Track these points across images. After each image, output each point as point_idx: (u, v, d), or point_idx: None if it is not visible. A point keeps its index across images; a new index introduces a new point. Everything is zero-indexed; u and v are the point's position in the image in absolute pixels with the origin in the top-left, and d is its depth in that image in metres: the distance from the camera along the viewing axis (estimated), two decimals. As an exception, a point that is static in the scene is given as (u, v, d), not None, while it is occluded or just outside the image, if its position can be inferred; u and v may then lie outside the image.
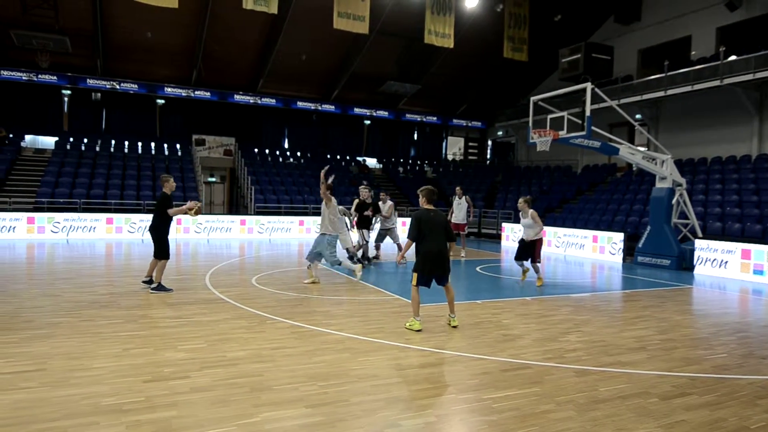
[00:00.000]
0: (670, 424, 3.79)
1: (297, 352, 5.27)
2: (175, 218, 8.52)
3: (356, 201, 12.42)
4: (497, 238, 20.94)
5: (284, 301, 7.78)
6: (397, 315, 7.08)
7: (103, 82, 23.52)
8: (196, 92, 25.09)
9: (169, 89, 24.72)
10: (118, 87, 23.77)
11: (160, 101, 25.39)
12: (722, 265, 12.09)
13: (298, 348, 5.40)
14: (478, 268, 12.39)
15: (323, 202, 9.41)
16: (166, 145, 24.72)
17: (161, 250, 8.09)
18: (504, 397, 4.23)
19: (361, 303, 7.86)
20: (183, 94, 24.98)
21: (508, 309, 7.74)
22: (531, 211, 9.58)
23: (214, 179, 26.67)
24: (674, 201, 13.69)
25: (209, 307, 7.17)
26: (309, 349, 5.38)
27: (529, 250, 9.73)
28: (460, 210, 14.01)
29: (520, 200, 9.81)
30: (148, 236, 17.12)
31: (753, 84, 17.70)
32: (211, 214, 21.82)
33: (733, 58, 17.91)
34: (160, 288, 8.09)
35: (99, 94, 24.13)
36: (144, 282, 8.43)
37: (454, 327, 6.43)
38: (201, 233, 18.31)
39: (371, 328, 6.30)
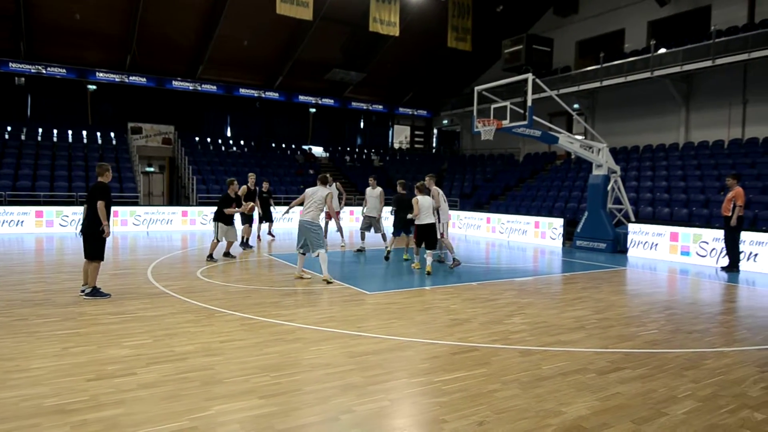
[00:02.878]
0: (606, 397, 4.05)
1: (247, 344, 5.21)
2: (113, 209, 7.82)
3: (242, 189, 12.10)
4: (443, 225, 21.27)
5: (232, 293, 7.65)
6: (348, 303, 7.13)
7: (28, 66, 21.99)
8: (130, 78, 23.93)
9: (101, 74, 23.44)
10: (44, 71, 22.31)
11: (92, 87, 24.03)
12: (653, 247, 12.87)
13: (249, 340, 5.34)
14: (426, 255, 12.57)
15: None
16: (99, 134, 23.47)
17: (95, 250, 6.98)
18: (453, 379, 4.36)
19: (311, 293, 7.84)
20: (116, 80, 23.77)
21: (455, 294, 7.94)
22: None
23: (152, 169, 25.65)
24: (609, 187, 14.38)
25: (153, 302, 6.96)
26: (259, 340, 5.33)
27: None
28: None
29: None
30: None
31: (681, 76, 18.81)
32: (150, 205, 21.01)
33: (662, 51, 18.95)
34: (96, 293, 7.06)
35: (23, 79, 22.54)
36: (83, 292, 7.17)
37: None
38: (140, 225, 17.62)
39: (322, 318, 6.31)
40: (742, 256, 10.95)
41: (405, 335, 5.64)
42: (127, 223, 17.37)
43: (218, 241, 10.71)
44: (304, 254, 8.77)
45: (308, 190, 8.75)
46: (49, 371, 4.32)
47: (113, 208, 7.27)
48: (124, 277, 8.87)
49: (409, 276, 9.59)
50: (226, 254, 11.06)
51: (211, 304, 6.89)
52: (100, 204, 6.89)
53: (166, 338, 5.33)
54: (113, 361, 4.62)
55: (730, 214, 10.59)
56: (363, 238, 12.86)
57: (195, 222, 18.52)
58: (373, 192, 12.54)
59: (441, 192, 10.64)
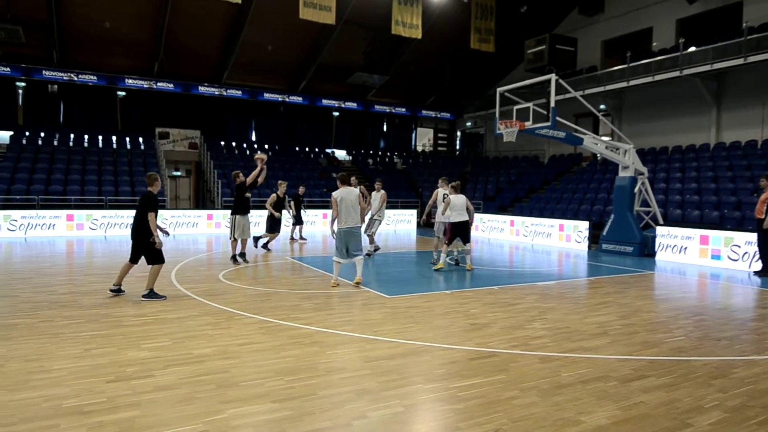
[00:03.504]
0: (628, 406, 3.92)
1: (265, 347, 5.23)
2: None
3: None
4: (466, 228, 21.11)
5: (252, 296, 7.70)
6: (366, 307, 7.10)
7: (60, 74, 22.66)
8: (158, 84, 24.44)
9: (130, 81, 24.00)
10: (75, 78, 22.96)
11: (121, 93, 24.63)
12: (682, 251, 12.51)
13: (266, 343, 5.36)
14: (447, 259, 12.49)
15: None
16: (128, 139, 24.04)
17: (152, 255, 7.28)
18: (470, 385, 4.29)
19: (330, 296, 7.84)
20: (145, 86, 24.29)
21: (475, 298, 7.84)
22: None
23: (179, 173, 26.13)
24: (636, 189, 14.06)
25: (175, 304, 7.05)
26: (277, 344, 5.34)
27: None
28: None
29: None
30: (111, 233, 16.85)
31: (711, 74, 18.28)
32: (176, 208, 21.41)
33: (692, 49, 18.44)
34: (152, 295, 7.29)
35: (56, 86, 23.27)
36: (112, 291, 7.50)
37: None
38: (166, 228, 17.92)
39: (340, 321, 6.30)
40: (776, 260, 10.52)
41: (422, 340, 5.58)
42: (154, 227, 17.70)
43: (236, 239, 10.81)
44: (342, 262, 8.53)
45: (337, 196, 8.33)
46: (70, 372, 4.40)
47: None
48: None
49: (430, 280, 9.52)
50: (242, 255, 11.06)
51: (232, 306, 6.94)
52: (151, 216, 7.15)
53: (185, 341, 5.38)
54: (132, 363, 4.68)
55: (763, 216, 10.22)
56: (372, 241, 12.94)
57: (220, 225, 18.76)
58: (377, 195, 12.71)
59: (444, 194, 10.86)
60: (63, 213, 16.82)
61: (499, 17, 24.77)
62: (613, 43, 24.00)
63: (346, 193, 8.43)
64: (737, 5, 19.17)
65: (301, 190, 15.93)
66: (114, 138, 24.00)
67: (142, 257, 7.37)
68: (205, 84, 25.48)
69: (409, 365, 4.79)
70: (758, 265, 10.73)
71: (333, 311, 6.84)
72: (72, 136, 23.08)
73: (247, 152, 26.67)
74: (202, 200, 25.40)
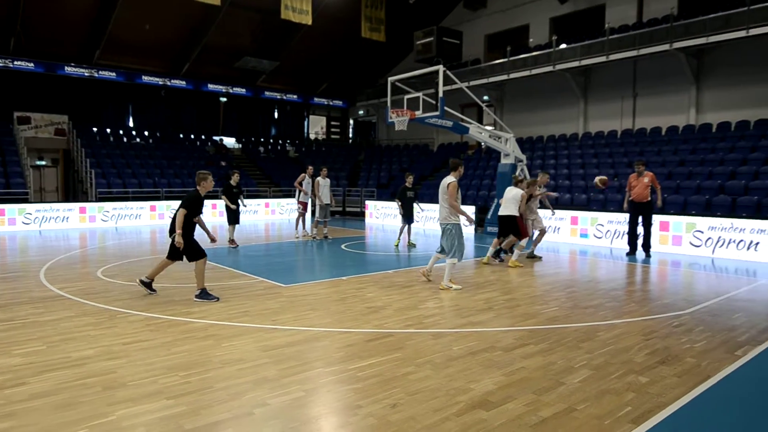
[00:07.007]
0: (511, 372, 4.29)
1: (154, 344, 4.97)
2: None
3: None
4: (361, 215, 21.47)
5: (137, 293, 7.23)
6: (263, 297, 7.00)
7: None
8: (15, 62, 21.73)
9: (-20, 58, 21.14)
10: None
11: (-31, 72, 21.62)
12: (556, 230, 13.73)
13: (155, 340, 5.09)
14: (343, 246, 12.63)
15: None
16: (-20, 124, 21.22)
17: (190, 251, 6.77)
18: (368, 365, 4.43)
19: (224, 288, 7.60)
20: (-1, 65, 21.53)
21: (372, 283, 8.03)
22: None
23: (43, 162, 23.57)
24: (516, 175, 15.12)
25: (47, 306, 6.43)
26: (167, 340, 5.10)
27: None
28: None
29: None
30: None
31: (579, 70, 20.11)
32: (42, 201, 19.37)
33: (563, 46, 20.13)
34: (204, 295, 6.78)
35: None
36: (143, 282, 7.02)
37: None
38: (31, 224, 16.17)
39: (236, 313, 6.15)
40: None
41: (320, 326, 5.63)
42: (16, 222, 15.87)
43: None
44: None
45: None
46: None
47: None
48: (13, 281, 8.13)
49: (325, 267, 9.58)
50: None
51: (113, 305, 6.48)
52: (180, 213, 6.56)
53: (62, 344, 4.95)
54: (1, 371, 4.22)
55: (649, 198, 10.79)
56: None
57: (95, 219, 17.29)
58: (324, 182, 13.66)
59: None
60: None
61: (389, 7, 25.18)
62: (495, 37, 25.46)
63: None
64: (600, 7, 21.22)
65: (235, 178, 12.29)
66: (-38, 123, 21.05)
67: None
68: (73, 64, 23.11)
69: (308, 351, 4.82)
70: (620, 242, 12.06)
71: (227, 303, 6.65)
72: None
73: (125, 139, 24.75)
74: (72, 192, 23.15)
